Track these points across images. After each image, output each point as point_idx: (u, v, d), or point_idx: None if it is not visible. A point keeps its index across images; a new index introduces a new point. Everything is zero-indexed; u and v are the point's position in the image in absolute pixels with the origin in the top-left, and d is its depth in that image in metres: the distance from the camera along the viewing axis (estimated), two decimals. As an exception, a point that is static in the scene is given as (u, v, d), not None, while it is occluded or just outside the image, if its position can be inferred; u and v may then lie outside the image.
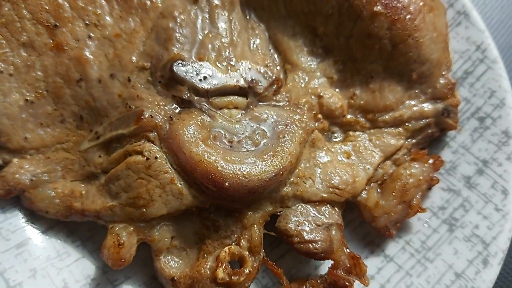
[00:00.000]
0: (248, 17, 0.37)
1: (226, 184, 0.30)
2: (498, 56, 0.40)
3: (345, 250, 0.33)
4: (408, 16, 0.34)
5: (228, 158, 0.30)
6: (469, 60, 0.40)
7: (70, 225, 0.34)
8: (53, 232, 0.34)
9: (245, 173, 0.30)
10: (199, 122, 0.32)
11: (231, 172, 0.30)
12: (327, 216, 0.33)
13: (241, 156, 0.31)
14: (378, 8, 0.34)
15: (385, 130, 0.36)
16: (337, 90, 0.36)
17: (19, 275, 0.31)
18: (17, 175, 0.32)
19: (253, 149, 0.32)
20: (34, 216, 0.33)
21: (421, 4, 0.35)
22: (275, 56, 0.37)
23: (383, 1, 0.34)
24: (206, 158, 0.30)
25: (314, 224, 0.33)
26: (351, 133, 0.36)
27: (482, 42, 0.40)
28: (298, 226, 0.32)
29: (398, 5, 0.35)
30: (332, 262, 0.33)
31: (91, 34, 0.34)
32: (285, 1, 0.36)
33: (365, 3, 0.34)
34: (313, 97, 0.36)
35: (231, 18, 0.37)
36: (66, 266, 0.33)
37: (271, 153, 0.32)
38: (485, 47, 0.40)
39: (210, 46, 0.35)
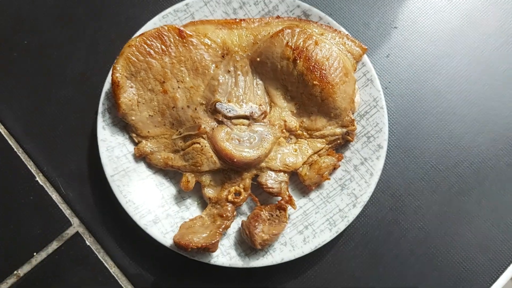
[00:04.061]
0: (254, 77, 0.68)
1: (235, 160, 0.62)
2: (384, 104, 0.66)
3: (287, 193, 0.64)
4: (330, 87, 0.64)
5: (237, 149, 0.65)
6: (369, 105, 0.67)
7: (165, 171, 0.68)
8: (158, 173, 0.65)
9: (243, 156, 0.64)
10: (225, 131, 0.68)
11: (237, 155, 0.64)
12: (280, 177, 0.64)
13: (242, 148, 0.66)
14: (316, 82, 0.64)
15: (316, 139, 0.66)
16: (294, 118, 0.67)
17: (146, 191, 0.64)
18: (145, 148, 0.65)
19: (248, 145, 0.68)
20: (151, 167, 0.66)
21: (338, 80, 0.64)
22: (266, 98, 0.71)
23: (318, 78, 0.64)
24: (227, 148, 0.65)
25: (273, 180, 0.66)
26: (299, 139, 0.66)
27: (377, 97, 0.66)
28: (266, 180, 0.63)
29: (325, 80, 0.64)
30: (280, 198, 0.67)
31: (179, 86, 0.68)
32: (273, 72, 0.65)
33: (310, 79, 0.64)
34: (281, 121, 0.67)
35: (246, 79, 0.71)
36: (164, 189, 0.64)
37: (257, 148, 0.67)
38: (378, 99, 0.66)
39: (233, 94, 0.67)
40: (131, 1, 0.76)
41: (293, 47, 0.66)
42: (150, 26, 0.70)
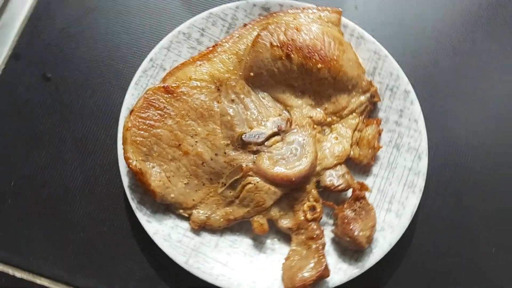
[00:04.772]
0: (257, 93, 0.64)
1: (293, 179, 0.59)
2: (386, 52, 0.63)
3: (354, 181, 0.62)
4: (335, 62, 0.61)
5: (288, 167, 0.61)
6: (372, 61, 0.65)
7: (230, 227, 0.61)
8: (224, 233, 0.60)
9: (298, 170, 0.59)
10: (266, 157, 0.63)
11: (292, 173, 0.58)
12: (340, 171, 0.61)
13: (293, 164, 0.62)
14: (319, 65, 0.61)
15: (348, 118, 0.64)
16: (317, 109, 0.64)
17: (226, 256, 0.59)
18: (199, 217, 0.60)
19: (295, 158, 0.64)
20: (214, 231, 0.61)
21: (338, 52, 0.61)
22: (279, 106, 0.66)
23: (320, 61, 0.61)
24: (279, 172, 0.60)
25: (336, 177, 0.63)
26: (332, 126, 0.63)
27: (375, 49, 0.64)
28: (330, 181, 0.60)
29: (327, 59, 0.61)
30: (351, 189, 0.63)
31: (196, 140, 0.61)
32: (271, 77, 0.62)
33: (312, 66, 0.61)
34: (307, 118, 0.63)
35: (252, 99, 0.66)
36: (239, 245, 0.60)
37: (304, 156, 0.63)
38: (378, 50, 0.64)
39: (251, 119, 0.62)
40: (92, 89, 0.70)
41: (279, 44, 0.62)
42: (129, 99, 0.64)
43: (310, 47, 0.62)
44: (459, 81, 0.71)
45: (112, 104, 0.69)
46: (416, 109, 0.65)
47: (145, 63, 0.66)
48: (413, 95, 0.65)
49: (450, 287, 0.63)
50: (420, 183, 0.62)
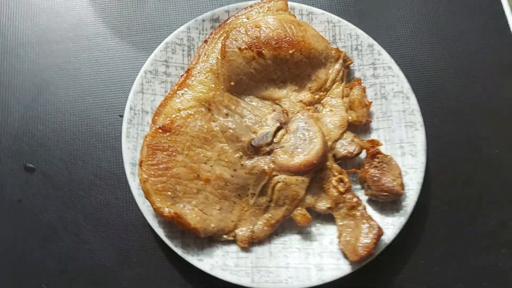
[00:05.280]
0: (244, 99, 0.65)
1: (315, 162, 0.60)
2: (338, 18, 0.68)
3: (365, 142, 0.65)
4: (303, 43, 0.64)
5: (305, 152, 0.63)
6: (329, 30, 0.69)
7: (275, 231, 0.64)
8: (272, 239, 0.61)
9: (315, 152, 0.62)
10: (281, 151, 0.64)
11: (312, 157, 0.60)
12: (348, 138, 0.64)
13: (307, 148, 0.64)
14: (291, 51, 0.63)
15: (332, 88, 0.67)
16: (303, 91, 0.67)
17: (284, 260, 0.60)
18: (244, 235, 0.60)
19: (307, 142, 0.65)
20: (262, 241, 0.61)
21: (301, 33, 0.64)
22: (268, 102, 0.68)
23: (290, 46, 0.63)
24: (300, 161, 0.62)
25: (348, 144, 0.66)
26: (322, 101, 0.66)
27: (327, 18, 0.69)
28: (344, 150, 0.62)
29: (295, 42, 0.63)
30: (365, 150, 0.66)
31: (210, 164, 0.61)
32: (251, 79, 0.64)
33: (285, 53, 0.63)
34: (298, 103, 0.68)
35: (243, 106, 0.67)
36: (291, 244, 0.60)
37: (314, 137, 0.65)
38: (330, 19, 0.69)
39: (251, 124, 0.63)
40: (81, 160, 0.67)
41: (246, 46, 0.64)
42: (127, 153, 0.63)
43: (276, 38, 0.64)
44: (407, 21, 0.76)
45: (108, 167, 0.67)
46: (385, 57, 0.69)
47: (127, 114, 0.65)
48: (377, 46, 0.69)
49: (472, 197, 0.68)
50: (418, 118, 0.66)
